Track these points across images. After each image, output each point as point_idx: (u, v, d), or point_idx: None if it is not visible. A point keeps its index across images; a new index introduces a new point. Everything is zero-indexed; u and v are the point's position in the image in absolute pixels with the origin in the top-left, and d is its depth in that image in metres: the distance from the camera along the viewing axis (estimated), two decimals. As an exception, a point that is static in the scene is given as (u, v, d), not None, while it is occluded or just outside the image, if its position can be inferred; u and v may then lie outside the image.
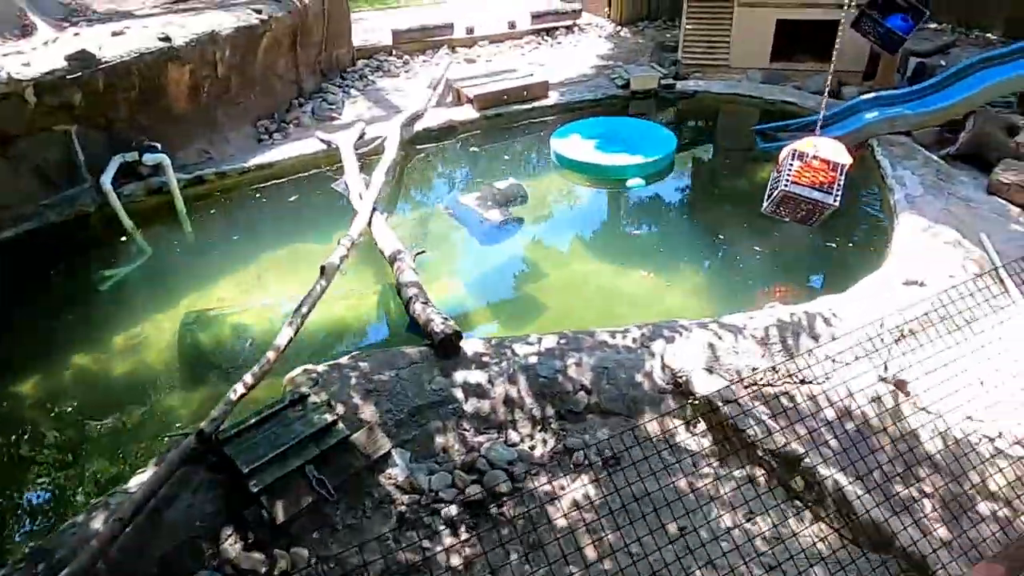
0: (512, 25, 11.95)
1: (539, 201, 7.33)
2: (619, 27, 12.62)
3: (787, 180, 5.24)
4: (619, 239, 6.84)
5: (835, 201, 5.18)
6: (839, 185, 5.23)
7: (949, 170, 7.05)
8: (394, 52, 11.07)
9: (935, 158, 7.19)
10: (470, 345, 4.59)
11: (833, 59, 5.51)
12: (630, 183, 7.45)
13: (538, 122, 8.90)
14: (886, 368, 4.58)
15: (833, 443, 4.07)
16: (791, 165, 5.28)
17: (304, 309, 4.81)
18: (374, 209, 6.34)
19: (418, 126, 8.40)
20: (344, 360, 4.48)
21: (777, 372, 4.39)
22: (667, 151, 7.60)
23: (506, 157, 8.53)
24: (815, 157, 5.29)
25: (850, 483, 3.67)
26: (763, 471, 3.95)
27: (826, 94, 5.89)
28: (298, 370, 4.40)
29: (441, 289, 6.23)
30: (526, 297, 6.08)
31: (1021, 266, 5.61)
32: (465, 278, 6.30)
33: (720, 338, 4.53)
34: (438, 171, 8.20)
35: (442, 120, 8.53)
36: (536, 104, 8.97)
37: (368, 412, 4.12)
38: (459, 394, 4.30)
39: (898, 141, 7.41)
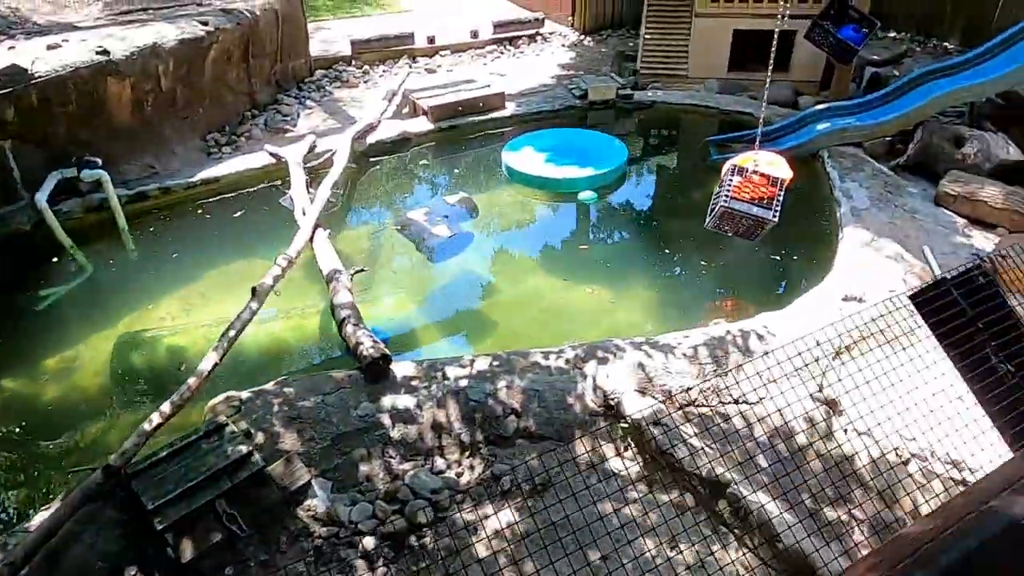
0: (474, 34, 11.88)
1: (490, 215, 7.25)
2: (583, 36, 12.60)
3: (726, 196, 5.21)
4: (569, 254, 6.77)
5: (774, 216, 5.15)
6: (778, 200, 5.20)
7: (898, 181, 7.08)
8: (353, 62, 10.96)
9: (885, 169, 7.21)
10: (401, 368, 4.50)
11: (769, 70, 5.49)
12: (582, 196, 7.39)
13: (494, 134, 8.82)
14: (821, 388, 4.56)
15: (764, 466, 4.04)
16: (731, 180, 5.25)
17: (232, 333, 4.68)
18: (317, 226, 6.23)
19: (371, 138, 8.29)
20: (270, 386, 4.36)
21: (709, 392, 4.34)
22: (618, 163, 7.56)
23: (458, 170, 8.45)
24: (755, 172, 5.27)
25: (778, 510, 3.61)
26: (691, 496, 3.89)
27: (764, 106, 5.88)
28: (220, 397, 4.28)
29: (386, 308, 6.15)
30: (474, 315, 6.00)
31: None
32: (411, 296, 6.20)
33: (653, 358, 4.47)
34: (390, 185, 8.10)
35: (396, 132, 8.43)
36: (492, 115, 8.89)
37: (289, 441, 4.01)
38: (386, 420, 4.20)
39: (848, 152, 7.42)
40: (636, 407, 4.12)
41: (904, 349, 5.07)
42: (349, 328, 4.75)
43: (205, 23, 7.76)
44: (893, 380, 4.35)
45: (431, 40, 11.57)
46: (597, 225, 7.28)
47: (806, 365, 4.61)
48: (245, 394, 4.29)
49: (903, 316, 5.12)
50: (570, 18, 12.84)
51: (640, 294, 6.14)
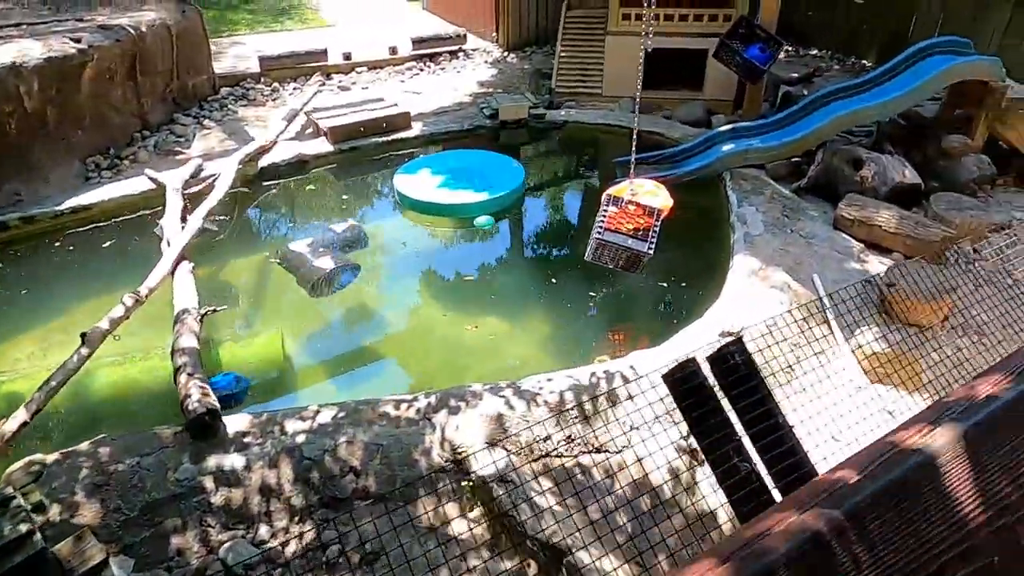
0: (393, 51, 11.56)
1: (381, 245, 6.89)
2: (506, 53, 12.37)
3: (600, 227, 4.96)
4: (455, 286, 6.45)
5: (649, 249, 4.90)
6: (655, 231, 4.96)
7: (799, 204, 6.94)
8: (262, 79, 10.53)
9: (786, 192, 7.07)
10: (235, 422, 4.10)
11: (638, 87, 5.27)
12: (478, 222, 7.10)
13: (399, 155, 8.48)
14: (687, 435, 4.30)
15: (620, 523, 3.75)
16: (606, 211, 5.00)
17: (53, 384, 4.23)
18: (183, 258, 5.80)
19: (265, 161, 7.88)
20: (84, 446, 3.91)
21: (568, 442, 4.05)
22: (514, 186, 7.28)
23: (352, 196, 8.05)
24: (630, 202, 5.03)
25: (620, 576, 3.31)
26: (534, 563, 3.57)
27: (635, 119, 5.65)
28: (20, 463, 3.82)
29: (255, 349, 5.73)
30: (349, 355, 5.62)
31: (846, 306, 5.49)
32: (288, 335, 5.79)
33: (511, 406, 4.16)
34: (280, 211, 7.67)
35: (292, 154, 8.03)
36: (397, 136, 8.56)
37: (90, 513, 3.57)
38: (209, 483, 3.79)
39: (750, 174, 7.28)
40: (484, 462, 3.80)
41: (781, 385, 4.88)
42: (183, 378, 4.33)
43: (77, 40, 7.27)
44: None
45: (347, 56, 11.21)
46: (486, 253, 6.96)
47: (670, 411, 4.37)
48: (51, 457, 3.84)
49: (780, 352, 4.95)
50: (494, 34, 12.61)
51: (524, 329, 5.84)
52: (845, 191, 6.82)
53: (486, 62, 12.07)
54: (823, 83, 9.90)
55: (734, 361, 1.78)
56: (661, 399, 4.16)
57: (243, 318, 6.04)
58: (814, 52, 12.52)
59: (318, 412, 4.20)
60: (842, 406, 4.37)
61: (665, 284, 6.26)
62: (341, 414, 4.18)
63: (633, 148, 5.18)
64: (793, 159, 7.67)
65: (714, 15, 9.09)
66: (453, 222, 7.18)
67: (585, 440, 4.08)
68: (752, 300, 5.26)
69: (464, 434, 3.98)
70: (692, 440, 4.23)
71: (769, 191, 6.97)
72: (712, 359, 1.81)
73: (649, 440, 4.00)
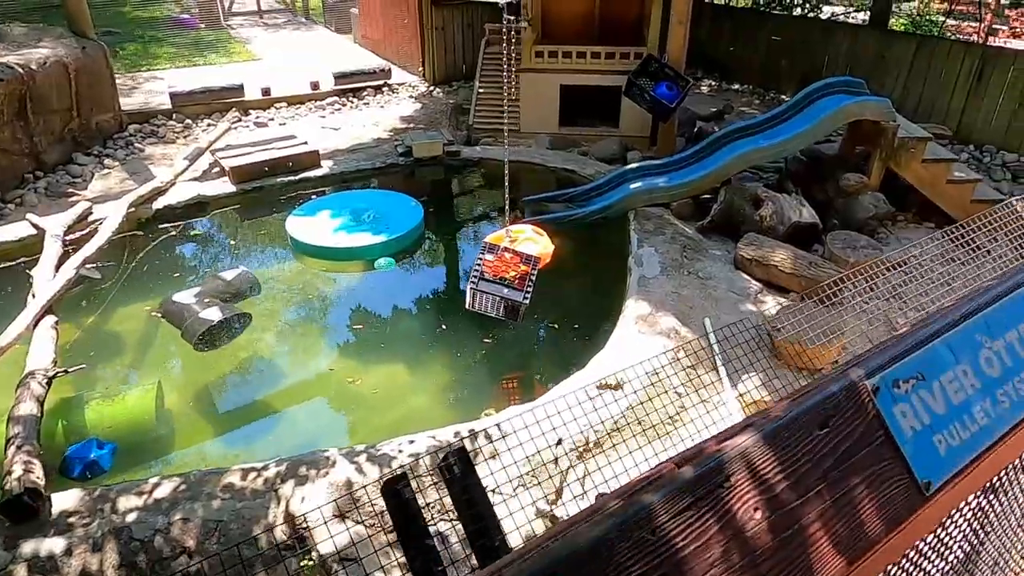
0: (315, 86, 11.38)
1: (274, 292, 6.61)
2: (432, 87, 12.30)
3: (475, 276, 4.80)
4: (344, 335, 6.20)
5: (525, 299, 4.77)
6: (531, 280, 4.83)
7: (701, 243, 6.91)
8: (175, 116, 10.23)
9: (688, 231, 7.04)
10: (62, 500, 3.78)
11: (506, 120, 5.16)
12: (379, 264, 6.90)
13: (307, 195, 8.24)
14: (558, 495, 4.13)
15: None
16: (481, 258, 4.86)
17: None
18: (48, 311, 5.45)
19: (160, 203, 7.56)
20: None
21: (426, 510, 3.82)
22: (411, 227, 7.10)
23: (244, 240, 7.72)
24: (507, 250, 4.90)
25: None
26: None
27: (506, 171, 5.50)
28: None
29: (124, 409, 5.38)
30: (236, 413, 5.32)
31: (735, 352, 5.41)
32: (170, 391, 5.46)
33: (365, 473, 3.93)
34: (170, 257, 7.30)
35: (191, 195, 7.73)
36: (305, 175, 8.33)
37: None
38: (22, 572, 3.46)
39: (654, 213, 7.24)
40: (328, 537, 3.55)
41: (660, 437, 4.75)
42: (11, 450, 3.99)
43: (-48, 80, 6.91)
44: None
45: (266, 92, 10.98)
46: (378, 299, 6.72)
47: (534, 472, 4.19)
48: None
49: (661, 404, 4.83)
50: (421, 68, 12.54)
51: (412, 380, 5.63)
52: (746, 230, 6.82)
53: (411, 97, 11.97)
54: (735, 119, 10.04)
55: (452, 474, 1.61)
56: (527, 457, 3.99)
57: (119, 374, 5.69)
58: (736, 87, 12.76)
59: (157, 485, 3.90)
60: None
61: (563, 328, 6.13)
62: (182, 487, 3.90)
63: (506, 190, 5.05)
64: (704, 196, 7.67)
65: (626, 53, 9.15)
66: (350, 265, 6.96)
67: (443, 506, 3.87)
68: (636, 348, 5.15)
69: (309, 506, 3.73)
70: (553, 506, 4.06)
71: (671, 231, 6.93)
72: (442, 466, 1.64)
73: (511, 502, 3.82)
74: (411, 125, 10.60)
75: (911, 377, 0.91)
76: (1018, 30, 12.16)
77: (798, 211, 6.75)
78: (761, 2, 13.73)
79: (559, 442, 4.30)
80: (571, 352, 5.82)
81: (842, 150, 7.74)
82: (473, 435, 4.19)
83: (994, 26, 13.38)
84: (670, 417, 4.81)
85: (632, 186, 7.50)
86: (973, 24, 12.48)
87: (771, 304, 6.14)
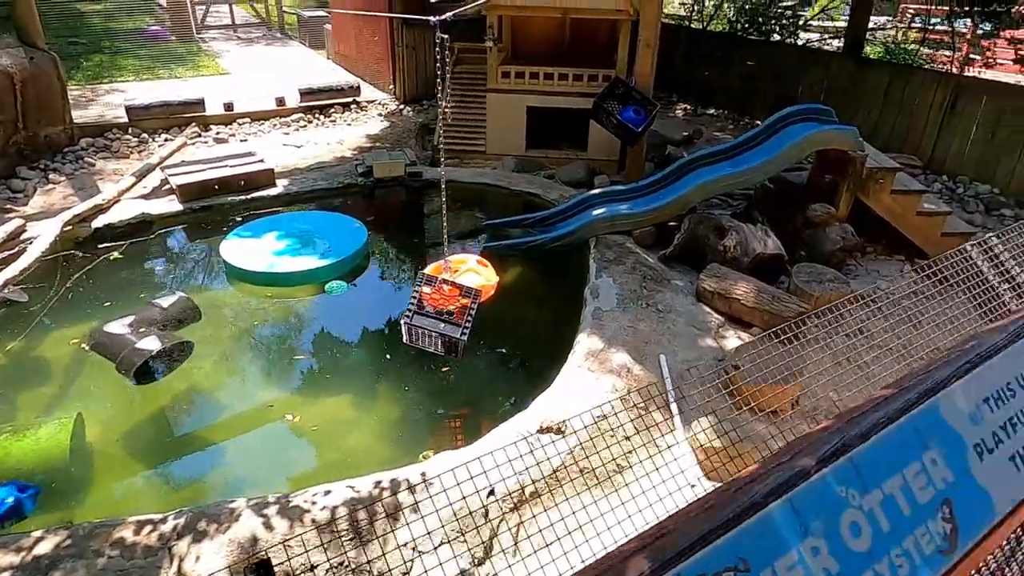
0: (280, 102, 11.08)
1: (215, 320, 6.25)
2: (402, 105, 12.05)
3: (410, 310, 4.49)
4: (284, 367, 5.85)
5: (463, 335, 4.45)
6: (470, 314, 4.52)
7: (663, 274, 6.64)
8: (131, 130, 9.88)
9: (650, 261, 6.77)
10: (-72, 557, 3.39)
11: (438, 141, 4.87)
12: (331, 286, 6.58)
13: (261, 214, 7.90)
14: (485, 552, 3.78)
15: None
16: (417, 291, 4.55)
17: None
18: (-45, 339, 5.06)
19: (101, 221, 7.20)
20: None
21: (339, 570, 3.47)
22: (353, 250, 6.78)
23: (187, 263, 7.35)
24: (445, 282, 4.59)
25: None
26: None
27: (443, 196, 5.23)
28: None
29: (42, 447, 4.97)
30: (166, 450, 4.94)
31: (692, 390, 5.12)
32: (90, 428, 5.07)
33: (271, 527, 3.57)
34: (107, 280, 6.90)
35: (134, 214, 7.38)
36: (258, 194, 8.00)
37: None
38: None
39: (615, 241, 6.97)
40: (221, 604, 3.19)
41: (601, 482, 4.43)
42: None
43: None
44: (580, 540, 3.65)
45: (228, 107, 10.67)
46: (323, 327, 6.38)
47: (460, 525, 3.85)
48: None
49: (606, 447, 4.51)
50: (391, 86, 12.30)
51: (351, 416, 5.28)
52: (710, 261, 6.57)
53: (380, 115, 11.71)
54: (705, 144, 9.85)
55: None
56: (453, 510, 3.64)
57: (38, 408, 5.30)
58: (711, 111, 12.61)
59: (40, 540, 3.52)
60: (669, 504, 3.93)
61: (515, 362, 5.82)
62: (67, 542, 3.51)
63: (443, 219, 4.75)
64: (671, 223, 7.42)
65: (594, 75, 8.94)
66: (295, 291, 6.62)
67: (357, 568, 3.51)
68: (583, 387, 4.84)
69: (205, 566, 3.37)
70: (481, 568, 3.72)
71: (632, 260, 6.65)
72: None
73: (427, 558, 3.48)
74: (377, 144, 10.32)
75: (724, 570, 0.61)
76: (991, 61, 12.13)
77: (763, 242, 6.51)
78: (737, 27, 13.63)
79: (491, 492, 3.97)
80: (520, 389, 5.50)
81: (810, 179, 7.53)
82: (395, 485, 3.85)
83: (970, 56, 13.37)
84: (615, 462, 4.50)
85: (594, 212, 7.24)
86: (948, 53, 12.43)
87: (732, 339, 5.86)
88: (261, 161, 8.40)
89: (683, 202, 6.93)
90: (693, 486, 4.51)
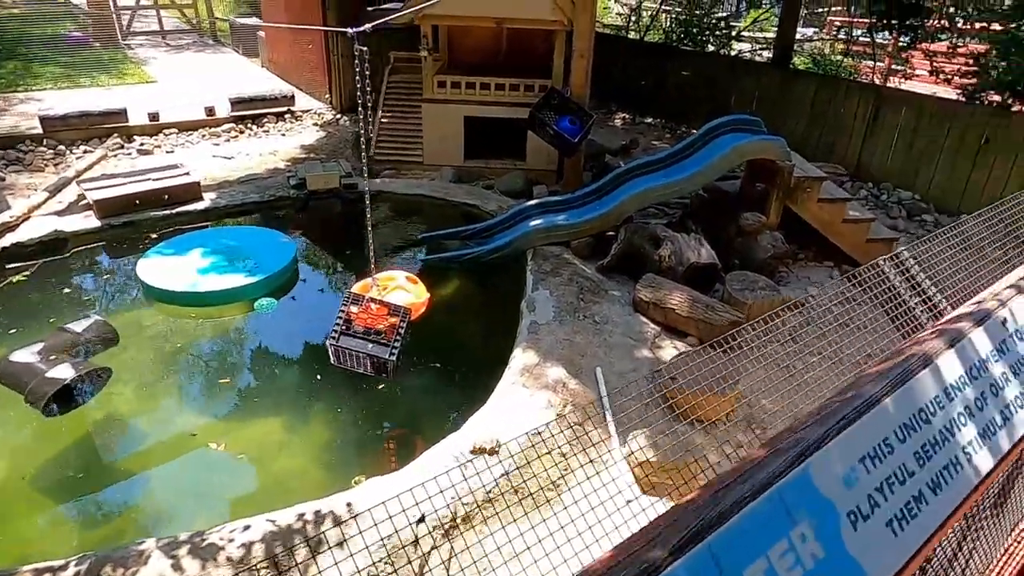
0: (210, 111, 10.69)
1: (137, 343, 5.91)
2: (339, 115, 11.80)
3: (335, 330, 4.33)
4: (210, 392, 5.58)
5: (391, 355, 4.31)
6: (399, 334, 4.39)
7: (600, 284, 6.63)
8: (46, 141, 9.36)
9: (588, 272, 6.76)
10: None
11: (364, 154, 4.74)
12: (260, 304, 6.33)
13: (186, 230, 7.56)
14: (412, 583, 3.65)
15: None
16: (342, 311, 4.39)
17: None
18: None
19: (9, 239, 6.76)
20: None
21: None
22: (281, 267, 6.56)
23: (103, 283, 6.95)
24: (373, 300, 4.45)
25: None
26: None
27: (368, 205, 5.09)
28: None
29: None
30: (78, 486, 4.61)
31: (628, 404, 5.10)
32: (5, 467, 4.70)
33: (181, 568, 3.35)
34: (10, 305, 6.43)
35: (46, 231, 6.95)
36: (184, 209, 7.66)
37: None
38: None
39: (553, 253, 6.93)
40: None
41: (539, 506, 4.36)
42: None
43: None
44: (516, 569, 3.54)
45: (153, 117, 10.23)
46: (251, 347, 6.13)
47: (390, 557, 3.71)
48: None
49: (543, 468, 4.44)
50: (328, 95, 12.03)
51: (281, 441, 5.05)
52: (647, 270, 6.59)
53: (316, 125, 11.43)
54: (641, 153, 9.96)
55: None
56: (382, 540, 3.48)
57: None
58: (649, 120, 12.79)
59: (-80, 596, 3.22)
60: (607, 524, 3.86)
61: (450, 379, 5.69)
62: (-49, 597, 3.23)
63: (369, 235, 4.62)
64: (609, 233, 7.42)
65: (531, 85, 8.93)
66: (219, 311, 6.34)
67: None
68: (518, 405, 4.76)
69: (108, 617, 3.13)
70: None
71: (569, 271, 6.63)
72: None
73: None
74: (312, 155, 10.05)
75: None
76: (909, 72, 12.68)
77: (697, 251, 6.57)
78: (673, 38, 13.89)
79: (421, 519, 3.84)
80: (456, 407, 5.38)
81: (742, 188, 7.67)
82: (320, 518, 3.67)
83: (892, 67, 13.95)
84: (552, 482, 4.42)
85: (532, 223, 7.19)
86: (871, 64, 12.93)
87: (668, 349, 5.88)
88: (187, 174, 8.05)
89: (619, 212, 6.95)
90: (630, 502, 4.48)
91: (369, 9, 11.62)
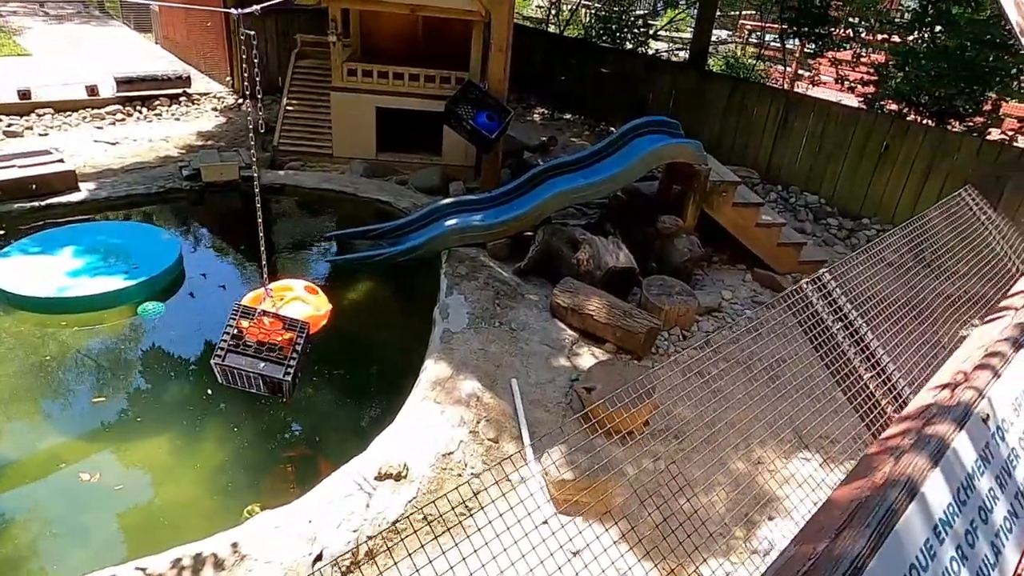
0: (92, 91, 9.70)
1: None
2: (241, 100, 11.01)
3: (221, 349, 3.87)
4: (81, 413, 4.97)
5: (286, 375, 3.90)
6: (296, 350, 3.98)
7: (518, 288, 6.40)
8: None
9: (505, 275, 6.51)
10: None
11: (253, 146, 4.31)
12: (145, 308, 5.72)
13: (60, 224, 6.75)
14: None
15: None
16: (230, 326, 3.94)
17: None
18: None
19: None
20: None
21: None
22: (165, 266, 5.97)
23: None
24: (266, 313, 4.01)
25: None
26: None
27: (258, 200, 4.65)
28: None
29: None
30: None
31: (544, 416, 4.90)
32: None
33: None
34: None
35: None
36: (56, 200, 6.85)
37: None
38: None
39: (468, 255, 6.64)
40: None
41: (450, 528, 4.09)
42: None
43: None
44: None
45: (24, 95, 9.17)
46: (131, 360, 5.52)
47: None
48: None
49: (455, 489, 4.17)
50: (228, 78, 11.20)
51: (166, 468, 4.53)
52: (565, 274, 6.41)
53: (215, 109, 10.61)
54: (560, 151, 9.81)
55: None
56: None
57: None
58: (568, 116, 12.69)
59: None
60: (523, 546, 3.62)
61: (357, 393, 5.31)
62: None
63: (261, 240, 4.17)
64: (527, 233, 7.18)
65: (447, 77, 8.57)
66: (93, 317, 5.68)
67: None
68: (428, 423, 4.45)
69: None
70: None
71: (485, 274, 6.36)
72: None
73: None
74: (210, 142, 9.30)
75: None
76: (816, 79, 13.17)
77: (615, 255, 6.45)
78: (592, 34, 13.83)
79: (319, 557, 3.48)
80: (362, 424, 5.02)
81: (660, 190, 7.63)
82: (199, 563, 3.25)
83: (799, 72, 14.46)
84: (464, 505, 4.16)
85: (446, 223, 6.87)
86: (781, 68, 13.34)
87: (586, 357, 5.72)
88: (60, 161, 7.22)
89: (537, 213, 6.74)
90: (546, 522, 4.28)
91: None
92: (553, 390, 5.27)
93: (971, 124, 9.20)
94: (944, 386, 1.06)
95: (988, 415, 1.01)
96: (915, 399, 1.08)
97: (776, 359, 5.74)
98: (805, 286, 3.61)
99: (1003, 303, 1.56)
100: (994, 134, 9.12)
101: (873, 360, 3.83)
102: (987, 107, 9.21)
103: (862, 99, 10.28)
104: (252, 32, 3.49)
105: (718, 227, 7.36)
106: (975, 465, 0.93)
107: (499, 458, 4.46)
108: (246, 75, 3.64)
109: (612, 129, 11.94)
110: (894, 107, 9.84)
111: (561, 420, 4.93)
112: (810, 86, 12.92)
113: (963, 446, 0.93)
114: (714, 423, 5.24)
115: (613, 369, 5.23)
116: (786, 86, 12.40)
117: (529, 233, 7.14)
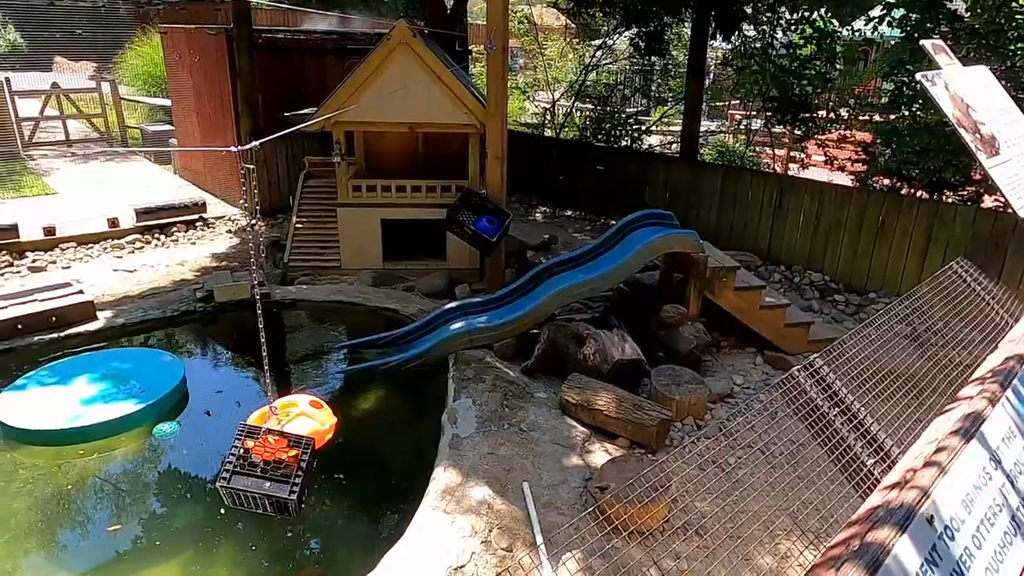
0: (113, 223, 10.20)
1: (6, 491, 5.21)
2: (254, 221, 11.49)
3: (226, 471, 3.87)
4: (97, 542, 4.92)
5: (292, 494, 3.88)
6: (301, 467, 3.97)
7: (526, 387, 6.39)
8: (-77, 262, 8.64)
9: (512, 374, 6.52)
10: None
11: (254, 263, 4.45)
12: (160, 430, 5.77)
13: (78, 353, 6.92)
14: None
15: None
16: (235, 447, 3.96)
17: None
18: None
19: None
20: None
21: None
22: (171, 387, 6.06)
23: None
24: (270, 432, 4.04)
25: None
26: None
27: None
28: None
29: None
30: None
31: (560, 519, 4.76)
32: None
33: None
34: None
35: (-94, 367, 6.22)
36: (75, 330, 7.06)
37: None
38: None
39: (475, 357, 6.69)
40: None
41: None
42: None
43: None
44: None
45: (49, 231, 9.65)
46: (144, 482, 5.50)
47: None
48: None
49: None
50: (241, 200, 11.72)
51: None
52: (572, 370, 6.42)
53: (228, 231, 11.06)
54: (561, 248, 10.03)
55: None
56: None
57: None
58: (568, 213, 13.05)
59: None
60: None
61: (370, 507, 5.22)
62: None
63: (264, 357, 4.26)
64: (533, 331, 7.24)
65: (447, 186, 8.94)
66: (110, 442, 5.72)
67: None
68: (438, 535, 4.35)
69: None
70: None
71: (492, 375, 6.37)
72: None
73: None
74: (223, 263, 9.64)
75: None
76: (806, 162, 13.56)
77: (620, 347, 6.47)
78: (587, 134, 14.46)
79: None
80: (375, 538, 4.90)
81: (661, 280, 7.74)
82: None
83: (791, 154, 14.90)
84: (478, 623, 3.99)
85: (452, 327, 6.96)
86: (771, 153, 13.80)
87: (599, 454, 5.63)
88: (79, 292, 7.49)
89: (541, 311, 6.83)
90: (566, 638, 4.09)
91: (287, 115, 11.60)
92: (567, 491, 5.16)
93: (964, 194, 9.36)
94: (893, 486, 1.04)
95: (932, 515, 0.99)
96: (866, 502, 1.06)
97: (797, 444, 5.61)
98: (797, 373, 3.59)
99: (961, 392, 1.56)
100: (988, 202, 9.25)
101: (876, 444, 3.74)
102: (977, 176, 9.39)
103: (853, 177, 10.54)
104: (252, 167, 3.73)
105: (724, 312, 7.39)
106: (920, 571, 0.91)
107: (513, 568, 4.31)
108: (246, 204, 3.88)
109: (612, 223, 12.22)
110: (887, 182, 10.06)
111: (576, 522, 4.79)
112: (802, 168, 13.28)
113: (905, 551, 0.91)
114: (737, 517, 5.06)
115: (626, 465, 5.12)
116: (778, 169, 12.76)
117: (535, 331, 7.21)
